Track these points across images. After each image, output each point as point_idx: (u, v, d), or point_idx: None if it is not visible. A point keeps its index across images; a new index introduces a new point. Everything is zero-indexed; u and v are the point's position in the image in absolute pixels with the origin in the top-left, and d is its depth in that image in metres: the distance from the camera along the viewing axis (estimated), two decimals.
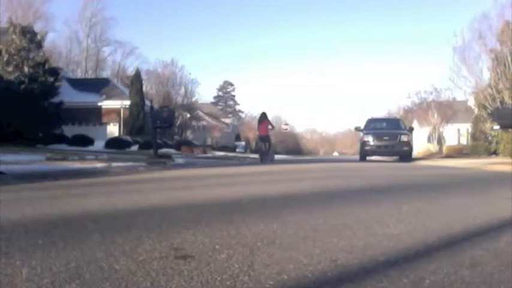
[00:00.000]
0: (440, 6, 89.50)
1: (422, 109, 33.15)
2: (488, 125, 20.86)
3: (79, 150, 17.24)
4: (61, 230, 2.09)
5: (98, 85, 29.17)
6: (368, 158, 16.99)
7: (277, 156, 31.68)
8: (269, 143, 15.76)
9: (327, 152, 74.58)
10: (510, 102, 17.52)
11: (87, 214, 2.62)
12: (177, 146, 26.01)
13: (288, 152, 48.93)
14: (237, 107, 76.22)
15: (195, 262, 1.49)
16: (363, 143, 16.47)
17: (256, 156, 27.70)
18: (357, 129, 18.52)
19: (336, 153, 65.44)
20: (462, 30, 22.44)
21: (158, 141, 17.59)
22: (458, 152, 24.20)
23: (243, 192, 4.03)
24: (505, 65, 19.33)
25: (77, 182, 5.31)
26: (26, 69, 18.39)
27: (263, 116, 16.38)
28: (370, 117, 19.34)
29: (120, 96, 28.47)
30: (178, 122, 32.82)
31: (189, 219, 2.40)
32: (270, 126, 16.14)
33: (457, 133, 33.95)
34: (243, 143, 45.17)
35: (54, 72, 20.54)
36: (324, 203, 3.31)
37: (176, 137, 32.38)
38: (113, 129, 27.62)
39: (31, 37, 19.28)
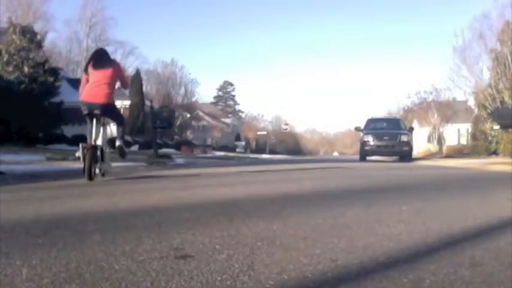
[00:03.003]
0: (441, 5, 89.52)
1: (422, 109, 33.17)
2: (488, 125, 20.85)
3: None
4: (61, 230, 2.09)
5: None
6: (368, 158, 16.99)
7: (276, 156, 31.44)
8: (115, 119, 6.11)
9: (327, 152, 74.60)
10: (510, 102, 17.54)
11: (87, 214, 2.62)
12: (177, 146, 26.04)
13: (288, 152, 48.96)
14: (237, 107, 76.34)
15: (195, 262, 1.49)
16: (363, 143, 16.47)
17: (256, 156, 27.42)
18: (357, 129, 18.52)
19: (336, 153, 65.45)
20: (462, 30, 22.45)
21: (158, 141, 17.59)
22: (458, 152, 24.21)
23: (243, 192, 4.03)
24: (505, 65, 19.34)
25: (77, 182, 5.31)
26: (26, 69, 18.40)
27: (99, 56, 5.86)
28: (370, 117, 19.35)
29: (120, 96, 28.46)
30: (178, 122, 32.85)
31: (189, 219, 2.40)
32: (117, 84, 6.01)
33: (457, 133, 33.97)
34: (243, 143, 45.20)
35: (54, 72, 20.56)
36: (324, 203, 3.31)
37: (176, 137, 32.40)
38: (113, 129, 27.59)
39: (31, 37, 19.29)
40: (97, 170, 5.49)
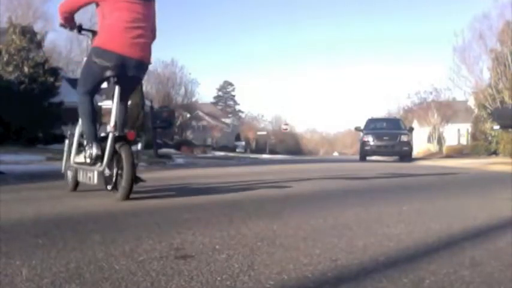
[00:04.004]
0: (441, 6, 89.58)
1: (422, 109, 33.20)
2: (488, 125, 20.87)
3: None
4: (61, 230, 2.09)
5: None
6: (368, 158, 17.00)
7: (276, 156, 31.42)
8: (127, 97, 3.50)
9: (327, 152, 74.56)
10: (510, 102, 17.56)
11: (87, 214, 2.62)
12: (177, 146, 26.03)
13: (288, 152, 48.96)
14: (237, 107, 76.31)
15: (195, 262, 1.49)
16: (363, 143, 16.49)
17: (256, 156, 27.32)
18: (357, 129, 18.55)
19: (336, 153, 65.42)
20: (462, 30, 22.51)
21: (158, 141, 17.58)
22: (458, 152, 24.22)
23: (243, 192, 4.03)
24: (505, 65, 19.36)
25: None
26: (26, 69, 18.41)
27: None
28: (370, 117, 19.38)
29: None
30: (178, 122, 32.83)
31: (189, 219, 2.40)
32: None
33: (457, 133, 33.99)
34: (243, 143, 45.20)
35: (54, 72, 20.57)
36: (324, 203, 3.31)
37: (176, 137, 32.40)
38: None
39: (31, 37, 19.30)
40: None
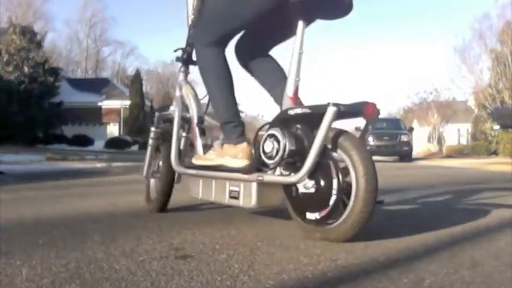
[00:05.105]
0: (440, 6, 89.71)
1: (422, 109, 33.25)
2: (488, 125, 20.90)
3: (79, 150, 17.29)
4: (61, 230, 2.09)
5: (98, 85, 29.23)
6: None
7: None
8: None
9: None
10: (510, 102, 17.59)
11: (87, 214, 2.62)
12: None
13: None
14: None
15: (195, 262, 1.49)
16: None
17: None
18: (357, 129, 18.54)
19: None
20: (463, 31, 22.59)
21: None
22: (458, 152, 24.24)
23: None
24: (505, 65, 19.41)
25: (77, 182, 5.31)
26: (26, 69, 18.44)
27: None
28: None
29: (120, 96, 28.53)
30: None
31: (189, 219, 2.40)
32: None
33: (457, 133, 34.02)
34: None
35: (54, 72, 20.61)
36: None
37: None
38: (113, 129, 27.67)
39: (31, 37, 19.35)
40: None
